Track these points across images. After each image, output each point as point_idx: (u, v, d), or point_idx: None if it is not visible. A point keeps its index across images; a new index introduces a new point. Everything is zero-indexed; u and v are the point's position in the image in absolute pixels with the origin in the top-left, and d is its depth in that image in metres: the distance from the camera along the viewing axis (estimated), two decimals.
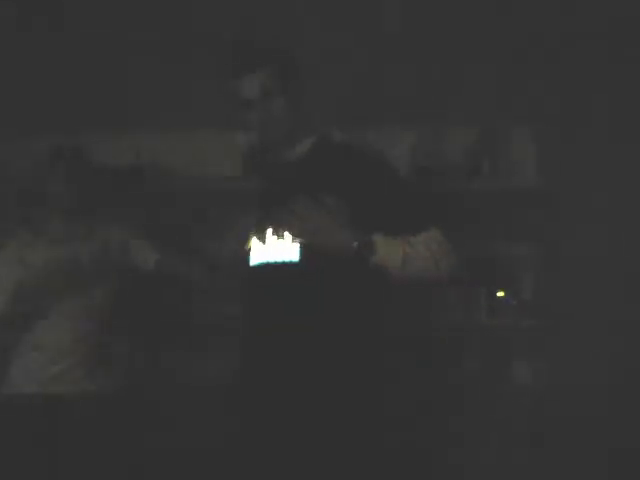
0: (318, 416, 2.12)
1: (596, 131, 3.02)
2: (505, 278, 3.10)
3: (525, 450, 2.94)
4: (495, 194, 3.04)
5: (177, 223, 3.28)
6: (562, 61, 2.99)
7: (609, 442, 2.89)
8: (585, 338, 2.91)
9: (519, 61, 3.06)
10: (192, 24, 3.09)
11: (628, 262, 3.00)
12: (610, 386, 2.92)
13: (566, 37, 2.96)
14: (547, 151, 3.04)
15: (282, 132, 2.24)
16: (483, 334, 3.11)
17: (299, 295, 2.16)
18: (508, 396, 3.02)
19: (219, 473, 2.39)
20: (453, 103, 3.12)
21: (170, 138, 3.32)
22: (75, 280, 2.75)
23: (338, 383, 2.16)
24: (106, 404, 2.74)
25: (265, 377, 2.20)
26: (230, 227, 2.51)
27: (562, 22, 2.92)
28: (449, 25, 3.11)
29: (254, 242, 2.27)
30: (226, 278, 2.58)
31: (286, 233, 2.14)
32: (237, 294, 2.36)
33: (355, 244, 2.04)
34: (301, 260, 2.13)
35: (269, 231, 2.21)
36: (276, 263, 2.18)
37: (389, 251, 2.03)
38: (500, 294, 3.06)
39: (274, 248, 2.20)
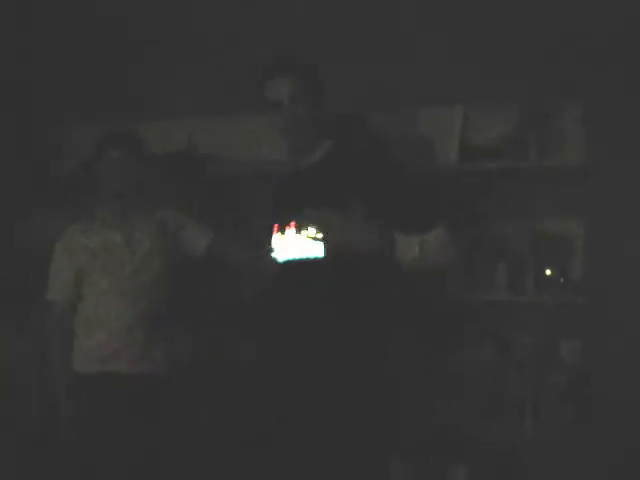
0: (342, 403, 2.25)
1: None
2: (553, 256, 3.08)
3: (573, 427, 2.95)
4: (543, 172, 3.02)
5: (227, 208, 3.34)
6: (611, 38, 2.94)
7: None
8: (633, 316, 2.89)
9: (566, 38, 3.03)
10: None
11: None
12: None
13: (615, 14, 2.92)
14: (596, 128, 3.00)
15: (305, 135, 2.37)
16: (531, 312, 3.11)
17: (325, 287, 2.28)
18: (557, 374, 3.02)
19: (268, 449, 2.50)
20: (501, 81, 3.11)
21: (221, 124, 3.37)
22: (131, 262, 2.84)
23: (367, 371, 2.28)
24: (163, 383, 2.85)
25: (288, 365, 2.35)
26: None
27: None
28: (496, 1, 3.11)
29: (279, 239, 2.36)
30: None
31: (310, 230, 2.26)
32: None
33: (378, 242, 2.20)
34: (326, 257, 2.24)
35: (293, 229, 2.32)
36: (301, 259, 2.30)
37: (407, 247, 2.21)
38: (548, 272, 3.05)
39: (299, 244, 2.31)
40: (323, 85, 2.41)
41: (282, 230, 2.36)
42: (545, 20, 3.09)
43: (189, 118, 3.38)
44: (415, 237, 2.22)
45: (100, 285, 2.84)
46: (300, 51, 2.44)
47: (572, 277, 3.04)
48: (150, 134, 3.06)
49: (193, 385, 3.07)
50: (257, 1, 3.37)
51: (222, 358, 3.24)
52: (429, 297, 3.00)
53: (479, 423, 3.03)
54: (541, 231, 3.10)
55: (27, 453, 3.24)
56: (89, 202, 2.99)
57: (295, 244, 2.31)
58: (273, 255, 2.39)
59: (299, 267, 2.31)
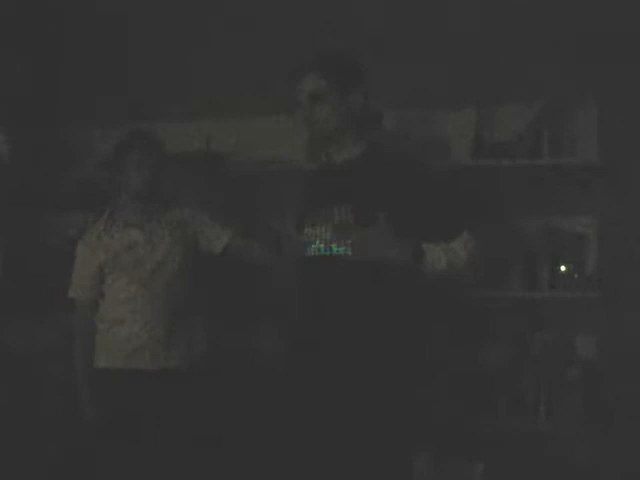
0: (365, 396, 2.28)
1: None
2: (568, 252, 3.11)
3: (586, 421, 2.98)
4: (557, 169, 3.06)
5: (246, 207, 3.37)
6: (626, 37, 2.98)
7: None
8: None
9: (582, 37, 3.07)
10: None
11: None
12: None
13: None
14: (609, 126, 3.04)
15: (327, 133, 2.37)
16: (545, 307, 3.14)
17: (351, 284, 2.31)
18: (572, 369, 3.05)
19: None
20: (516, 78, 3.15)
21: (239, 124, 3.40)
22: (152, 259, 2.89)
23: (387, 367, 2.32)
24: (184, 378, 2.89)
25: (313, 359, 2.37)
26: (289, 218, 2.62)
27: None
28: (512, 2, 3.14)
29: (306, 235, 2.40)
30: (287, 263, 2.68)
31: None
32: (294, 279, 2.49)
33: (408, 253, 2.22)
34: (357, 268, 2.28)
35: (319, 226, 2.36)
36: (327, 254, 2.34)
37: (436, 259, 2.24)
38: (562, 268, 3.08)
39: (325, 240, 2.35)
40: (355, 80, 2.37)
41: (310, 226, 2.39)
42: (560, 20, 3.13)
43: (208, 118, 3.41)
44: (441, 248, 2.25)
45: (121, 282, 2.88)
46: (322, 48, 2.45)
47: (586, 273, 3.07)
48: (169, 134, 3.09)
49: (213, 380, 3.10)
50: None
51: (243, 353, 3.27)
52: (446, 295, 3.02)
53: (495, 418, 3.06)
54: (555, 228, 3.14)
55: (50, 448, 3.27)
56: (110, 202, 3.02)
57: (321, 240, 2.35)
58: (298, 251, 2.41)
59: (325, 263, 2.34)
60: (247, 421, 3.20)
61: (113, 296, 2.90)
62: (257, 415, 3.16)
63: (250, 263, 3.10)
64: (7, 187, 3.34)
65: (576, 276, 3.06)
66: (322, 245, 2.34)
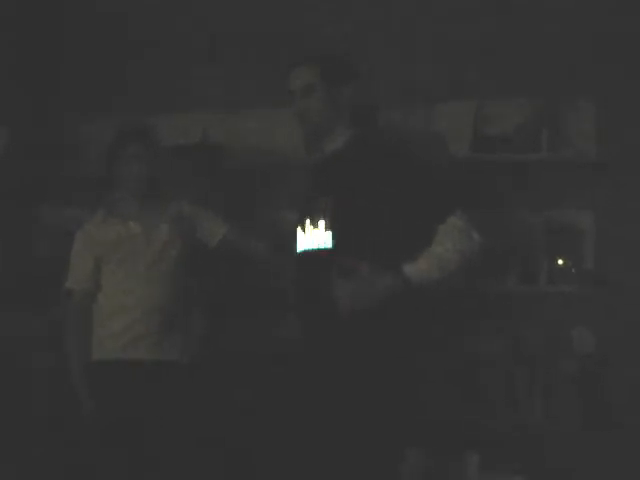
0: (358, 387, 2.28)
1: None
2: (565, 247, 3.11)
3: (587, 417, 2.98)
4: (555, 164, 3.06)
5: (242, 201, 3.37)
6: (623, 32, 2.98)
7: None
8: None
9: (581, 33, 3.06)
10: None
11: None
12: None
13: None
14: (608, 122, 3.04)
15: (318, 125, 2.40)
16: (543, 302, 3.14)
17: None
18: (569, 364, 3.06)
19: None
20: (514, 74, 3.15)
21: (236, 118, 3.39)
22: (149, 252, 2.88)
23: (383, 361, 2.32)
24: (180, 370, 2.88)
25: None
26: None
27: None
28: None
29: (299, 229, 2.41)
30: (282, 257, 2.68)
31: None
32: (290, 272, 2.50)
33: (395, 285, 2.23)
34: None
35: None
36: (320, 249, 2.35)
37: (424, 274, 2.25)
38: (560, 262, 3.08)
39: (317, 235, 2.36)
40: (345, 76, 2.42)
41: (302, 221, 2.40)
42: (560, 17, 3.13)
43: (204, 110, 3.40)
44: (428, 259, 2.24)
45: (118, 274, 2.88)
46: (319, 44, 2.48)
47: (584, 267, 3.07)
48: (165, 127, 3.10)
49: (210, 372, 3.10)
50: None
51: (239, 345, 3.28)
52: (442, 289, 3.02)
53: (491, 412, 3.06)
54: (554, 222, 3.14)
55: (45, 440, 3.27)
56: (106, 195, 3.01)
57: (314, 235, 2.36)
58: (292, 246, 2.43)
59: (317, 257, 2.35)
60: (243, 415, 3.19)
61: (111, 288, 2.89)
62: (254, 409, 3.16)
63: (246, 257, 3.10)
64: (4, 180, 3.33)
65: (574, 270, 3.07)
66: (313, 239, 2.36)
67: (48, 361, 3.21)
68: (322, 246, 2.33)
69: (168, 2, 3.53)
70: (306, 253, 2.39)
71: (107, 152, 2.95)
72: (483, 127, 3.16)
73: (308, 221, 2.37)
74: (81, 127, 3.53)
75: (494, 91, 3.16)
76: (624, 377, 2.98)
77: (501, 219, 3.14)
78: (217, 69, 3.43)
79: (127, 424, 2.79)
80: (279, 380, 2.85)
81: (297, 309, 2.47)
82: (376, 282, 2.22)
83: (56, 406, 3.22)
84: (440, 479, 3.02)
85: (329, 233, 2.31)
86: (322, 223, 2.33)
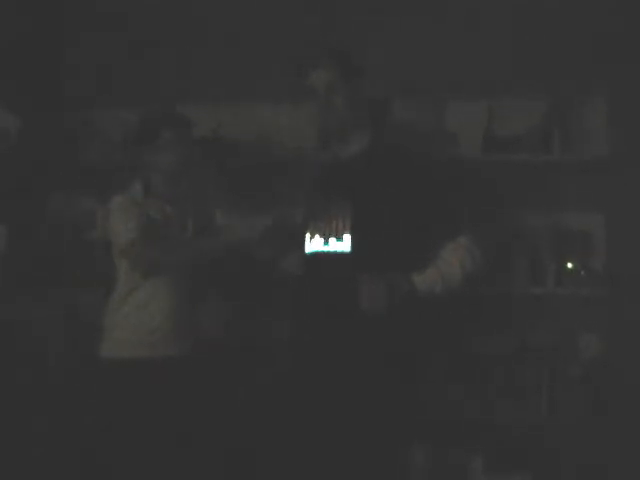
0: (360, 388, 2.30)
1: None
2: (575, 249, 3.10)
3: (591, 419, 2.95)
4: (566, 164, 3.06)
5: (255, 194, 3.36)
6: (635, 32, 2.99)
7: None
8: None
9: (593, 33, 3.08)
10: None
11: None
12: None
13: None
14: (620, 123, 3.04)
15: (338, 126, 2.43)
16: (552, 304, 3.12)
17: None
18: (576, 367, 3.03)
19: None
20: (526, 75, 3.16)
21: (249, 111, 3.40)
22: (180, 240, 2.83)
23: (388, 360, 2.34)
24: (195, 364, 2.82)
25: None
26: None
27: None
28: None
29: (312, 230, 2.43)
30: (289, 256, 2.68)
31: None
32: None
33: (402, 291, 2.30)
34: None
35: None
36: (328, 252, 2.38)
37: (427, 286, 2.33)
38: (569, 265, 3.07)
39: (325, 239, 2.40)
40: (362, 74, 2.47)
41: (314, 222, 2.43)
42: (571, 16, 3.15)
43: (218, 104, 3.39)
44: (434, 271, 2.33)
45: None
46: (330, 40, 2.50)
47: (593, 270, 3.06)
48: None
49: (224, 366, 3.08)
50: None
51: (253, 339, 3.26)
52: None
53: (498, 413, 3.03)
54: (563, 224, 3.13)
55: (56, 433, 3.22)
56: (138, 179, 2.87)
57: (328, 237, 2.40)
58: (304, 247, 2.46)
59: (331, 259, 2.38)
60: (248, 413, 3.17)
61: (131, 279, 2.78)
62: (258, 407, 3.14)
63: (257, 256, 3.08)
64: (15, 167, 3.33)
65: (583, 273, 3.05)
66: (323, 239, 2.39)
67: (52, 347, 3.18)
68: (338, 250, 2.35)
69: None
70: (318, 254, 2.40)
71: (140, 137, 2.85)
72: (494, 128, 3.17)
73: (321, 223, 2.39)
74: (93, 116, 3.52)
75: (506, 92, 3.17)
76: (631, 380, 2.95)
77: (511, 220, 3.15)
78: (234, 62, 3.44)
79: (141, 418, 2.71)
80: (283, 378, 2.81)
81: (304, 308, 2.46)
82: (389, 286, 2.27)
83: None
84: (444, 479, 3.00)
85: (347, 236, 2.33)
86: (339, 226, 2.35)
